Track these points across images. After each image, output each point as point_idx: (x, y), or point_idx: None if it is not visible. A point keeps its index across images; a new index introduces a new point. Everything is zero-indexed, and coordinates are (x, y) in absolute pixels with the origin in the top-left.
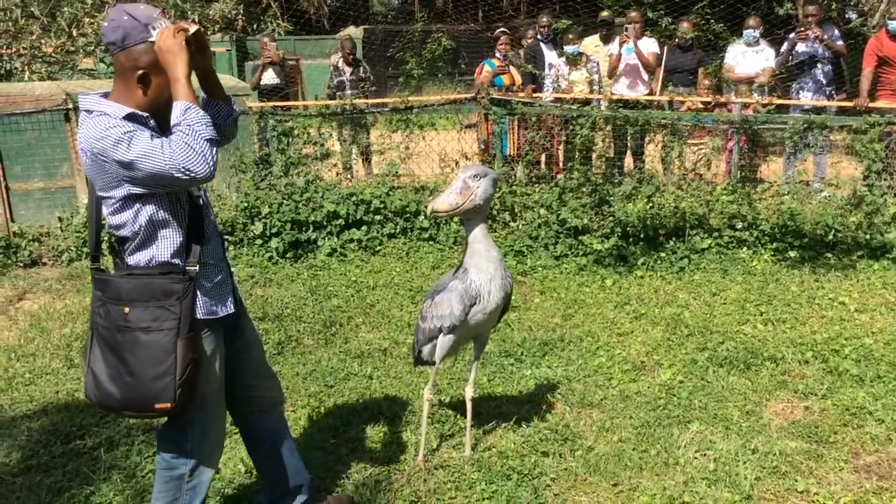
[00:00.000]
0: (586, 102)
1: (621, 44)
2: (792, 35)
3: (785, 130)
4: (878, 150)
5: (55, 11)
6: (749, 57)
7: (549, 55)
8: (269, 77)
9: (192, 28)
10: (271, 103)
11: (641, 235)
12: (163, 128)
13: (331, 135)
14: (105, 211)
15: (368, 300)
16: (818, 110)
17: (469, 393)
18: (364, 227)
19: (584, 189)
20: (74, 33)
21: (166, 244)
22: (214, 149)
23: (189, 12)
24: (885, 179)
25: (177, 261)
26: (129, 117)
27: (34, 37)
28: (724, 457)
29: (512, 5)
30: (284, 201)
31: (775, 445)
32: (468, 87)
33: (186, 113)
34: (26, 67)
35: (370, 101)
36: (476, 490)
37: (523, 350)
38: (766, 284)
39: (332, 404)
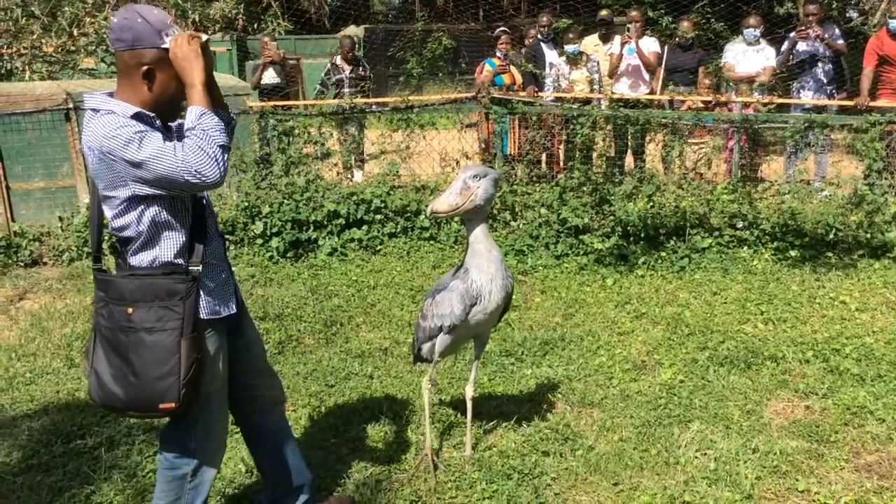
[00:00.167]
0: (587, 102)
1: (623, 44)
2: (792, 34)
3: (785, 129)
4: (879, 149)
5: (56, 11)
6: (750, 56)
7: (550, 55)
8: (270, 76)
9: (204, 37)
10: (272, 103)
11: (642, 235)
12: (167, 127)
13: (331, 134)
14: (108, 212)
15: (369, 300)
16: (819, 109)
17: (469, 392)
18: (365, 227)
19: (584, 188)
20: (75, 33)
21: (170, 244)
22: (226, 155)
23: (190, 12)
24: (885, 178)
25: (180, 261)
26: (137, 117)
27: (35, 36)
28: (725, 456)
29: (512, 5)
30: (285, 201)
31: (776, 445)
32: (469, 86)
33: (202, 118)
34: (27, 67)
35: (370, 100)
36: (477, 489)
37: (524, 349)
38: (766, 284)
39: (332, 404)
